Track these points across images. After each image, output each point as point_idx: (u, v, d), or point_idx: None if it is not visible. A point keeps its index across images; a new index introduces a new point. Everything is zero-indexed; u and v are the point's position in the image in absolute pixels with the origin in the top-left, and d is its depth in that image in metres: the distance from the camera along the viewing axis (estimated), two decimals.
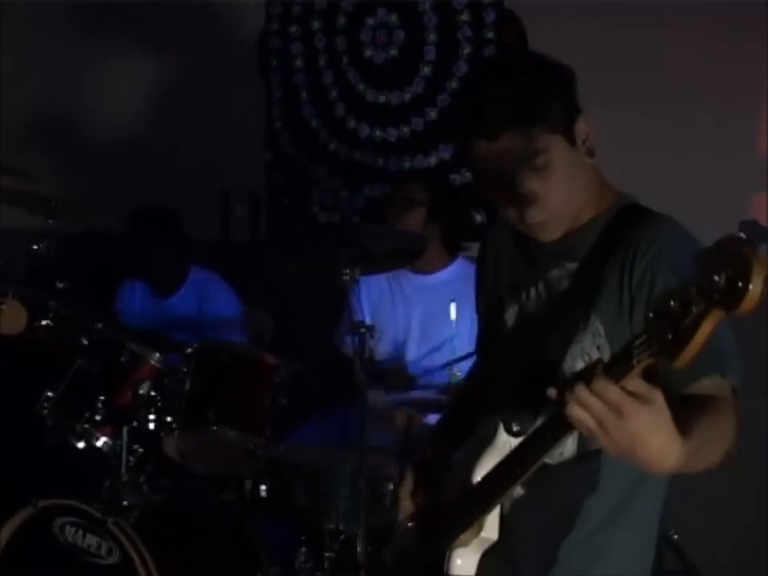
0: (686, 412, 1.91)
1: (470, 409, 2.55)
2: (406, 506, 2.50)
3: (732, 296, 1.61)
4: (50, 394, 4.06)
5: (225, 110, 5.58)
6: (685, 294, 1.68)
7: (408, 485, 2.51)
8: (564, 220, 2.23)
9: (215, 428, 3.93)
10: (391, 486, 3.86)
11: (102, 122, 5.94)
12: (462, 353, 4.16)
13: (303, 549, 4.11)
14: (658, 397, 1.80)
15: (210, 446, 4.04)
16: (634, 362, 1.78)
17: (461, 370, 4.08)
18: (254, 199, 5.58)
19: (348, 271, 3.72)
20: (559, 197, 2.19)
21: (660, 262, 2.11)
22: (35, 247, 4.44)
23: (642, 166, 4.45)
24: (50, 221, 4.48)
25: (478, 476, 2.22)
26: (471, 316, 4.36)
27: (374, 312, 4.61)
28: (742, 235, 1.66)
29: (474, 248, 4.41)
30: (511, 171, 2.15)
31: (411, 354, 4.59)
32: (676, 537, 4.20)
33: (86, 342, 4.12)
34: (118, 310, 4.97)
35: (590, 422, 1.80)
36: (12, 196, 4.66)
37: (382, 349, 4.60)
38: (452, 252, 4.59)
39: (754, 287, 1.59)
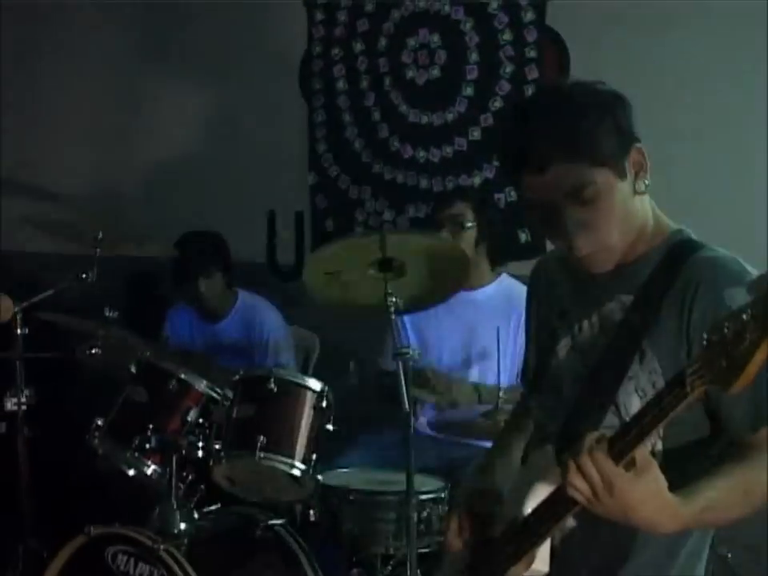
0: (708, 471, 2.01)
1: (521, 439, 2.57)
2: (453, 542, 2.49)
3: None
4: (100, 422, 4.09)
5: (268, 133, 5.62)
6: (739, 321, 1.70)
7: (455, 520, 2.49)
8: (613, 253, 2.22)
9: (263, 455, 3.93)
10: (439, 509, 3.88)
11: (151, 147, 5.97)
12: (504, 371, 4.15)
13: (354, 571, 4.11)
14: (652, 470, 1.91)
15: (257, 473, 4.03)
16: (688, 389, 1.82)
17: (506, 392, 4.07)
18: (299, 221, 5.61)
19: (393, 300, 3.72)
20: (607, 229, 2.18)
21: (719, 307, 2.08)
22: (84, 275, 4.46)
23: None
24: (98, 249, 4.50)
25: (528, 508, 2.22)
26: (512, 335, 4.38)
27: (418, 329, 4.61)
28: None
29: (517, 266, 4.45)
30: (559, 203, 2.15)
31: (455, 368, 4.59)
32: (729, 556, 4.16)
33: (134, 370, 4.15)
34: (167, 335, 4.99)
35: (586, 491, 1.94)
36: (57, 226, 4.69)
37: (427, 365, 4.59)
38: (496, 270, 4.60)
39: None
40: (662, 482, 1.92)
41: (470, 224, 4.45)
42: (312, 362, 5.17)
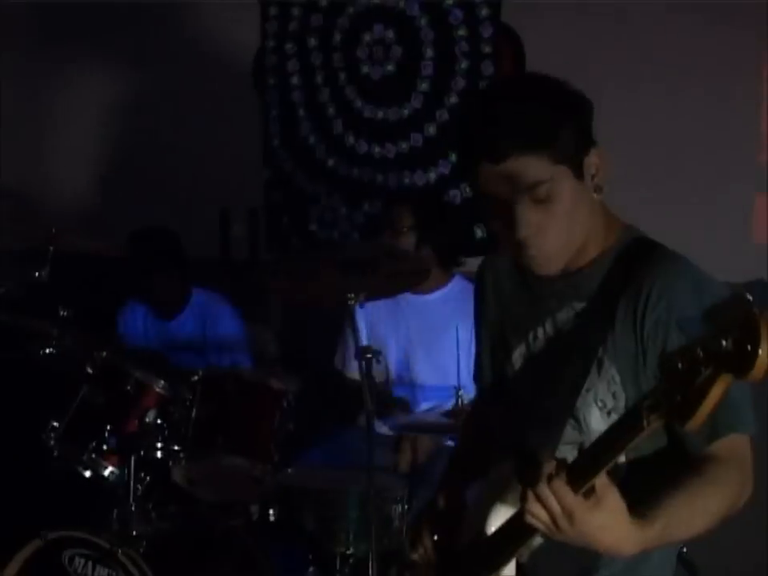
0: (664, 489, 1.98)
1: (480, 446, 2.55)
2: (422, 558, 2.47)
3: (741, 360, 1.58)
4: (55, 423, 4.04)
5: (222, 129, 5.59)
6: (693, 355, 1.66)
7: (424, 536, 2.47)
8: (561, 256, 2.16)
9: (223, 455, 3.92)
10: (399, 508, 3.86)
11: (97, 143, 5.91)
12: (464, 374, 4.14)
13: (311, 570, 4.09)
14: (611, 497, 1.88)
15: (217, 473, 4.02)
16: (644, 423, 1.77)
17: (466, 392, 4.06)
18: (253, 217, 5.57)
19: (353, 296, 3.70)
20: (559, 230, 2.12)
21: (672, 316, 2.06)
22: (36, 274, 4.39)
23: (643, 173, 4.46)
24: (51, 247, 4.43)
25: (492, 525, 2.17)
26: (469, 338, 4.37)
27: (371, 334, 4.58)
28: (749, 297, 1.62)
29: (473, 263, 4.44)
30: (513, 198, 2.08)
31: (412, 375, 4.58)
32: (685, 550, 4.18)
33: (90, 371, 4.10)
34: (120, 334, 4.94)
35: (546, 520, 1.91)
36: (11, 220, 4.63)
37: (381, 371, 4.56)
38: (449, 270, 4.57)
39: (764, 352, 1.55)
40: (622, 508, 1.89)
41: (407, 228, 4.43)
42: (267, 359, 5.13)
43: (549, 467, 1.91)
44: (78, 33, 5.96)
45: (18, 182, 5.86)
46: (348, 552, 3.93)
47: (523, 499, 1.94)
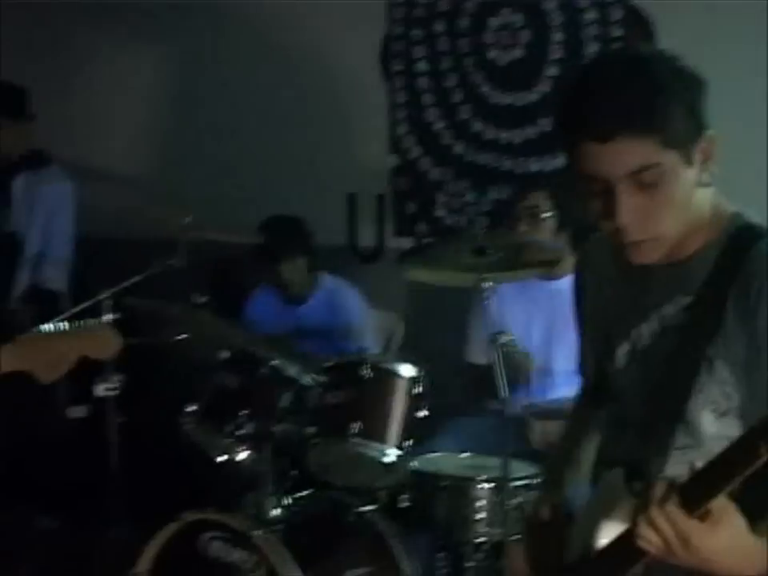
0: None
1: (587, 449, 2.43)
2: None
3: None
4: (192, 408, 4.12)
5: (349, 116, 5.61)
6: None
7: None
8: (664, 244, 2.03)
9: (356, 441, 3.95)
10: (532, 495, 3.86)
11: (229, 133, 5.99)
12: None
13: (442, 555, 4.12)
14: (729, 518, 1.78)
15: (350, 459, 4.05)
16: (762, 452, 1.68)
17: None
18: (380, 203, 5.60)
19: (484, 281, 3.72)
20: (663, 217, 1.99)
21: None
22: (171, 261, 4.48)
23: None
24: (185, 235, 4.52)
25: (600, 540, 2.06)
26: None
27: (502, 319, 4.58)
28: None
29: None
30: (616, 181, 1.95)
31: (546, 360, 4.56)
32: None
33: (225, 356, 4.17)
34: (251, 319, 5.00)
35: (659, 545, 1.82)
36: (146, 209, 4.73)
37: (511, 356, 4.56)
38: None
39: None
40: (741, 528, 1.80)
41: (546, 214, 4.41)
42: (393, 345, 5.17)
43: (660, 488, 1.83)
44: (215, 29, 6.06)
45: (151, 173, 5.97)
46: (479, 539, 3.94)
47: (634, 522, 1.87)
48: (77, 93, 6.31)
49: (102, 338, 2.56)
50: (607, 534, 2.04)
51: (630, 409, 2.19)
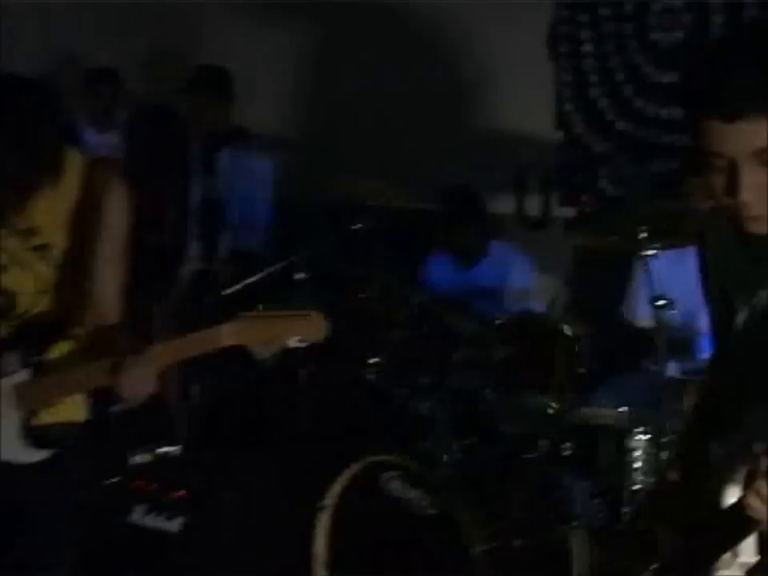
0: None
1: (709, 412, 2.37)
2: None
3: None
4: (374, 360, 4.27)
5: (518, 93, 5.68)
6: None
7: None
8: None
9: (524, 392, 4.06)
10: None
11: (407, 108, 6.12)
12: None
13: (598, 501, 4.19)
14: None
15: (518, 409, 4.15)
16: None
17: None
18: (546, 176, 5.67)
19: (648, 248, 3.78)
20: None
21: None
22: (357, 226, 4.62)
23: None
24: (368, 201, 4.67)
25: (727, 499, 1.99)
26: None
27: (660, 283, 4.62)
28: None
29: None
30: (741, 160, 1.83)
31: (700, 323, 4.58)
32: None
33: (405, 314, 4.31)
34: (426, 281, 5.14)
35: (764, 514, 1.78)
36: (337, 181, 4.87)
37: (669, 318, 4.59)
38: None
39: None
40: None
41: None
42: (557, 306, 5.24)
43: (766, 461, 1.78)
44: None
45: (342, 145, 6.14)
46: (635, 486, 4.02)
47: (744, 492, 1.83)
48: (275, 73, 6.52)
49: (314, 322, 2.68)
50: (731, 497, 2.00)
51: (747, 376, 2.15)
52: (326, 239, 4.67)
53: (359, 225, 4.62)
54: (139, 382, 2.70)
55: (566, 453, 4.18)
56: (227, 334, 2.64)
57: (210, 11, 6.63)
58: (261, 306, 2.70)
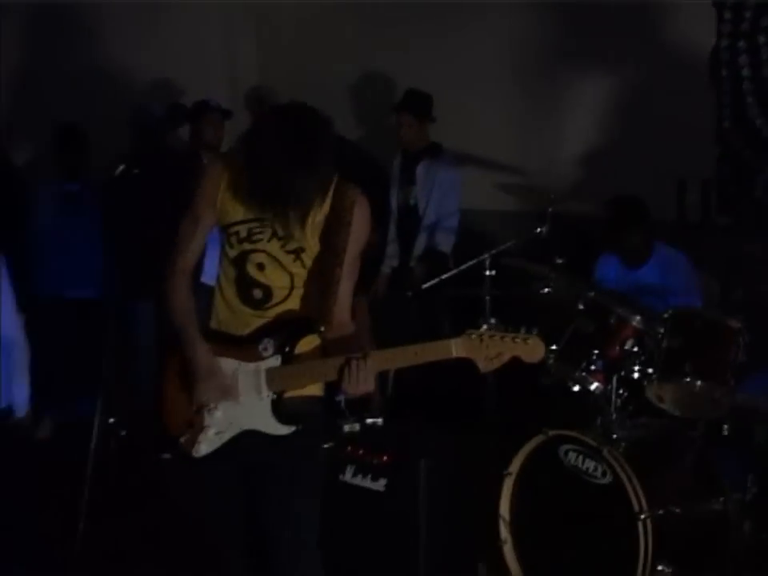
0: None
1: None
2: None
3: None
4: (553, 347, 4.27)
5: (682, 112, 5.59)
6: None
7: None
8: None
9: (688, 379, 3.99)
10: None
11: (580, 125, 6.09)
12: None
13: (751, 477, 4.10)
14: None
15: (683, 393, 4.09)
16: None
17: None
18: (706, 186, 5.55)
19: None
20: None
21: None
22: (538, 230, 4.64)
23: None
24: (550, 209, 4.67)
25: None
26: None
27: None
28: None
29: None
30: None
31: None
32: None
33: (581, 307, 4.29)
34: (597, 279, 5.09)
35: None
36: (519, 189, 4.91)
37: None
38: None
39: None
40: None
41: None
42: (713, 303, 5.13)
43: None
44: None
45: (522, 160, 6.15)
46: None
47: None
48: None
49: (536, 346, 2.71)
50: None
51: None
52: (511, 241, 4.70)
53: (540, 229, 4.64)
54: (363, 383, 2.79)
55: (725, 433, 4.12)
56: (458, 348, 2.75)
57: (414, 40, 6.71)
58: (485, 326, 2.76)
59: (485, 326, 2.73)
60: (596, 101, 6.03)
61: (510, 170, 5.98)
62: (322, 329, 2.92)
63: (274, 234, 2.93)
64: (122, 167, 2.88)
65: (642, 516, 3.78)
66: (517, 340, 2.72)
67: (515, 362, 4.48)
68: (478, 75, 6.43)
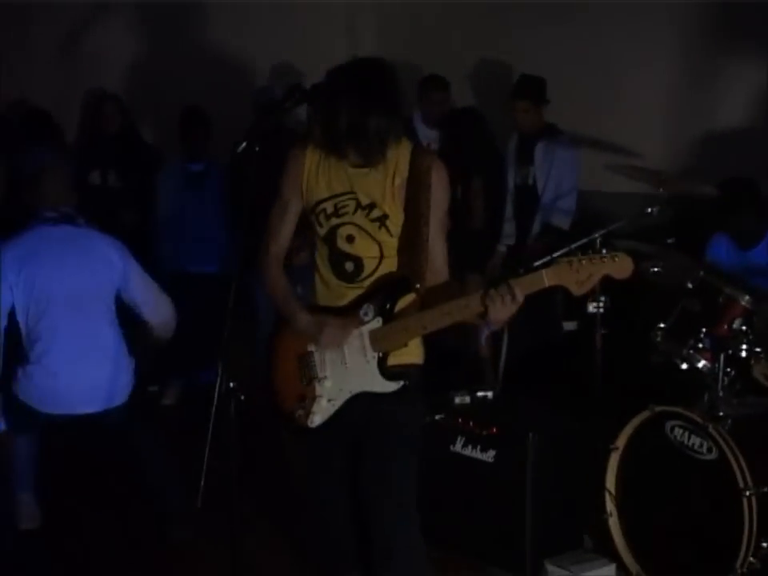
0: None
1: None
2: None
3: None
4: (662, 325, 4.31)
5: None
6: None
7: None
8: None
9: None
10: None
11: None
12: None
13: None
14: None
15: None
16: None
17: None
18: None
19: None
20: None
21: None
22: (649, 210, 4.66)
23: None
24: (660, 189, 4.70)
25: None
26: None
27: None
28: None
29: None
30: None
31: None
32: None
33: (690, 286, 4.32)
34: (709, 259, 5.08)
35: None
36: (632, 170, 4.93)
37: None
38: None
39: None
40: None
41: None
42: None
43: None
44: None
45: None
46: None
47: None
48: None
49: (623, 262, 2.75)
50: None
51: None
52: (622, 221, 4.73)
53: (652, 209, 4.66)
54: (509, 307, 2.83)
55: None
56: (549, 276, 2.77)
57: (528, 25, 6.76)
58: (579, 252, 2.81)
59: (578, 252, 2.77)
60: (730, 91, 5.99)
61: (626, 153, 6.00)
62: (418, 286, 3.01)
63: (359, 206, 3.05)
64: (243, 144, 3.02)
65: (747, 493, 3.81)
66: (605, 259, 2.73)
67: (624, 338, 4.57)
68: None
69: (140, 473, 4.57)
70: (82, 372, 4.43)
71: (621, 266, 2.74)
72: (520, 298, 2.83)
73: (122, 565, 4.44)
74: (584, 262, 2.73)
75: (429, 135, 6.52)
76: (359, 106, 2.93)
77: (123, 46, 7.22)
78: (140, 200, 6.52)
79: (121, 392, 4.51)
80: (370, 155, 3.00)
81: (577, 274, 2.74)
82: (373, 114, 2.92)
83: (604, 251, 2.77)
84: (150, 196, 6.46)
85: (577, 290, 2.77)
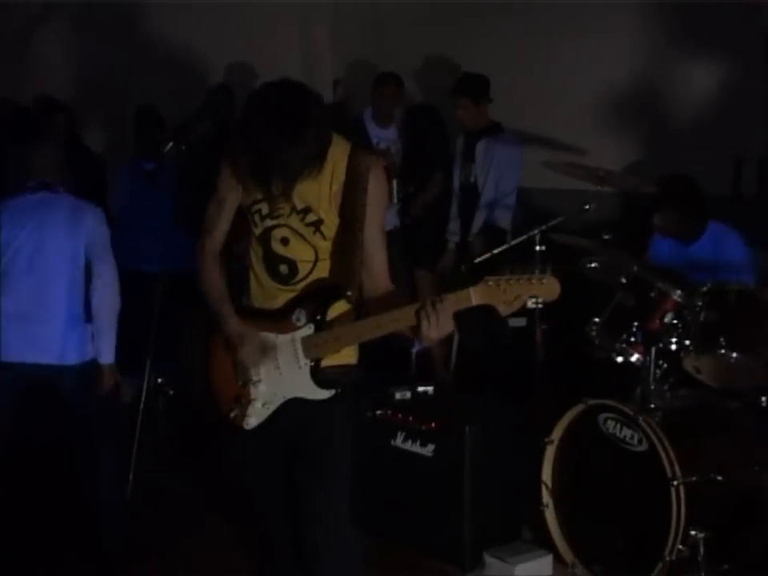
0: None
1: None
2: None
3: None
4: (596, 319, 4.38)
5: (738, 93, 5.63)
6: None
7: None
8: None
9: (723, 351, 4.07)
10: None
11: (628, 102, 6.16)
12: None
13: None
14: None
15: (719, 365, 4.18)
16: None
17: None
18: (762, 164, 5.57)
19: None
20: None
21: None
22: (586, 207, 4.73)
23: None
24: (599, 186, 4.77)
25: None
26: None
27: None
28: None
29: None
30: None
31: None
32: None
33: (624, 281, 4.39)
34: (649, 255, 5.16)
35: None
36: (568, 167, 4.98)
37: None
38: None
39: None
40: None
41: None
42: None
43: None
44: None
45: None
46: None
47: None
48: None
49: (551, 285, 2.74)
50: None
51: None
52: (560, 217, 4.80)
53: (590, 205, 4.73)
54: (443, 325, 2.81)
55: (763, 405, 4.19)
56: (477, 295, 2.77)
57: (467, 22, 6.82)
58: (508, 271, 2.84)
59: (507, 271, 2.79)
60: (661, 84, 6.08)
61: (564, 148, 6.07)
62: (349, 293, 3.00)
63: (294, 209, 3.03)
64: (170, 144, 3.04)
65: (675, 482, 3.90)
66: (533, 281, 2.74)
67: (564, 333, 4.62)
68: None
69: (80, 452, 4.50)
70: (33, 325, 4.39)
71: (548, 289, 2.75)
72: (448, 315, 2.82)
73: (60, 557, 4.44)
74: (512, 282, 2.74)
75: (379, 134, 6.58)
76: (270, 142, 2.83)
77: (74, 45, 7.22)
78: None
79: (73, 352, 4.44)
80: (287, 188, 2.93)
81: (504, 295, 2.74)
82: (282, 150, 2.83)
83: (536, 272, 2.78)
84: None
85: (504, 310, 2.76)
